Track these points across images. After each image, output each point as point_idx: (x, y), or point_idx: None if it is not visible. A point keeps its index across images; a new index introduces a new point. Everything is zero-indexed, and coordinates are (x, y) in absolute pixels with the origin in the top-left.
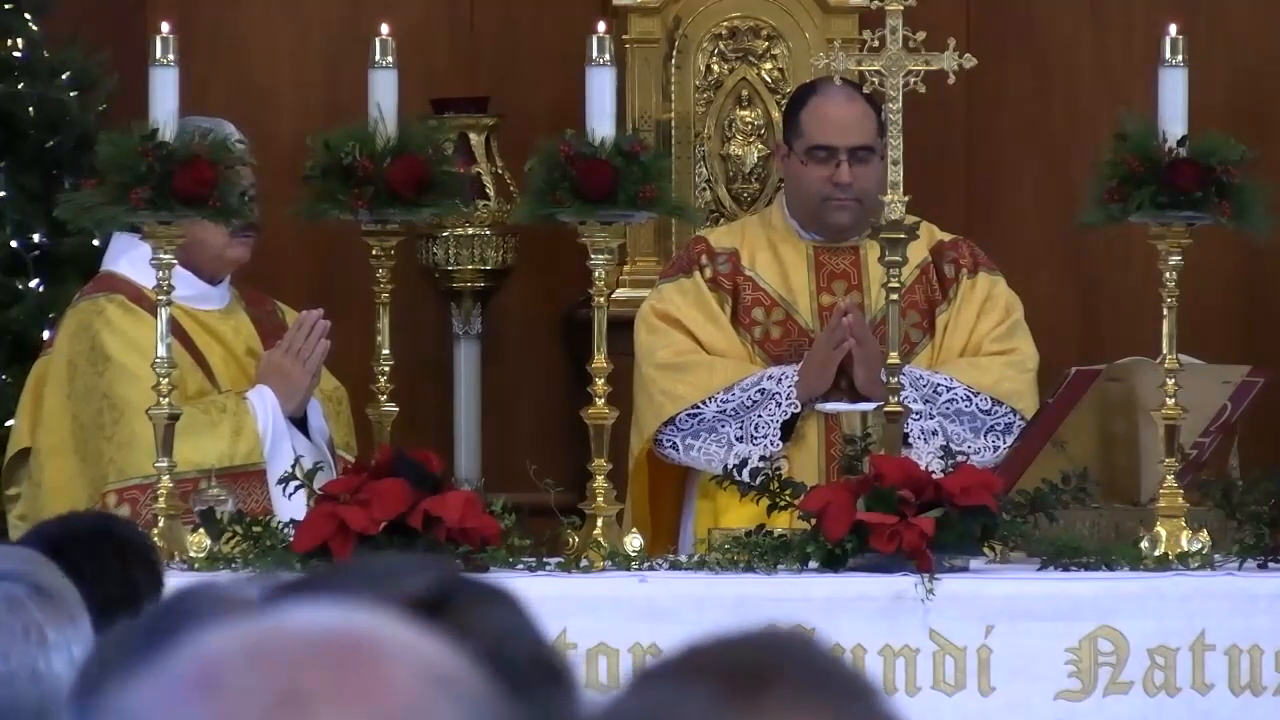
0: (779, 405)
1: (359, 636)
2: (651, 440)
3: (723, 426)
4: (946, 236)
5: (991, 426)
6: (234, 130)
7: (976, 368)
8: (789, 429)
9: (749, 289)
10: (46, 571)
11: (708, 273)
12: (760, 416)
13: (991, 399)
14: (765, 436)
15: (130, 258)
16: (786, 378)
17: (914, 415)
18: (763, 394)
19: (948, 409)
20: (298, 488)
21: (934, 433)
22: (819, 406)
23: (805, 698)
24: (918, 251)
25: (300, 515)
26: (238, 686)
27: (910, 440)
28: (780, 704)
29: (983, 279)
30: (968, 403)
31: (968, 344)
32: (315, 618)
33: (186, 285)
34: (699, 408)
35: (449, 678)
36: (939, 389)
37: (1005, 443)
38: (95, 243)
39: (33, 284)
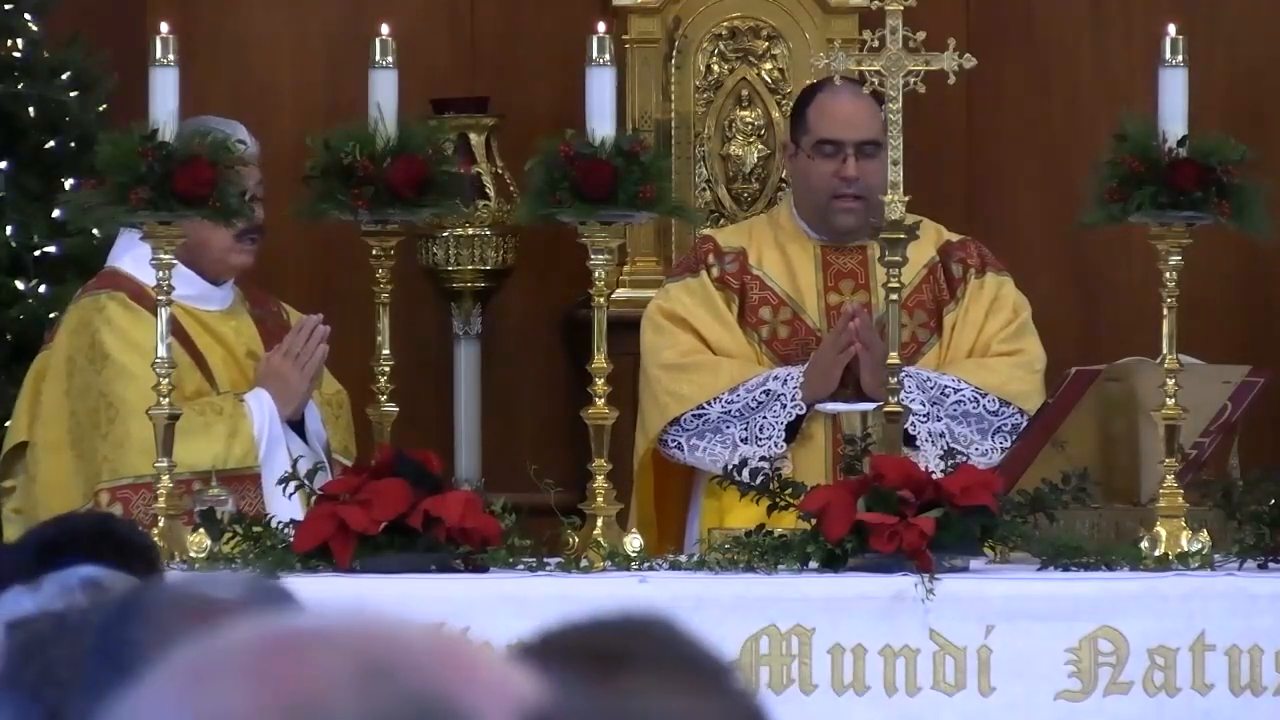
0: (784, 406)
1: (293, 630)
2: (656, 440)
3: (727, 427)
4: (954, 237)
5: (999, 428)
6: (245, 133)
7: (984, 368)
8: (794, 430)
9: (756, 288)
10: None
11: (714, 272)
12: (765, 417)
13: (999, 400)
14: (770, 437)
15: (134, 255)
16: (791, 379)
17: (921, 417)
18: (768, 395)
19: (955, 410)
20: (297, 488)
21: (941, 434)
22: (820, 407)
23: (663, 678)
24: (925, 251)
25: (294, 517)
26: (159, 664)
27: (918, 442)
28: (637, 684)
29: (990, 279)
30: (975, 404)
31: (975, 344)
32: (270, 621)
33: (189, 285)
34: (704, 408)
35: (373, 679)
36: (946, 390)
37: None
38: (95, 243)
39: (33, 284)
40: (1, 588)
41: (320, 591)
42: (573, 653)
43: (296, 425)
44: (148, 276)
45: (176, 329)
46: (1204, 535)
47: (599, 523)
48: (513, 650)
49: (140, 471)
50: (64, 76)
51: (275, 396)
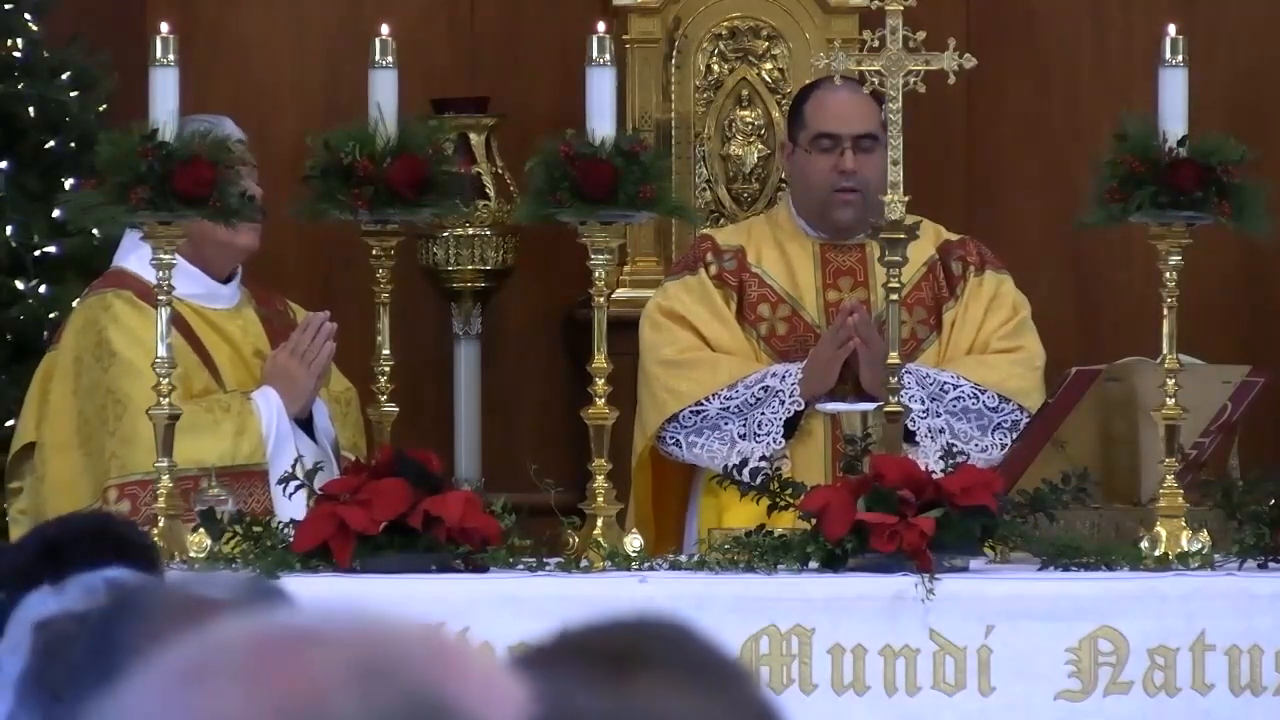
0: (782, 403)
1: (288, 630)
2: (654, 437)
3: (725, 424)
4: (954, 236)
5: (999, 424)
6: (234, 127)
7: (984, 365)
8: (792, 427)
9: (755, 285)
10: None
11: (713, 269)
12: (764, 414)
13: (999, 396)
14: (768, 434)
15: (140, 254)
16: (790, 375)
17: (920, 414)
18: (766, 391)
19: (954, 407)
20: (298, 487)
21: (940, 430)
22: (819, 407)
23: (674, 680)
24: (924, 249)
25: (300, 515)
26: (153, 663)
27: (917, 439)
28: (649, 686)
29: (990, 277)
30: (974, 400)
31: (975, 341)
32: (269, 619)
33: (196, 283)
34: (702, 405)
35: (371, 679)
36: (945, 387)
37: (1012, 440)
38: (95, 243)
39: (33, 284)
40: (2, 588)
41: (320, 591)
42: (587, 654)
43: (305, 423)
44: (154, 275)
45: (183, 327)
46: (1204, 535)
47: (599, 523)
48: (527, 651)
49: (148, 468)
50: (64, 76)
51: (282, 394)
